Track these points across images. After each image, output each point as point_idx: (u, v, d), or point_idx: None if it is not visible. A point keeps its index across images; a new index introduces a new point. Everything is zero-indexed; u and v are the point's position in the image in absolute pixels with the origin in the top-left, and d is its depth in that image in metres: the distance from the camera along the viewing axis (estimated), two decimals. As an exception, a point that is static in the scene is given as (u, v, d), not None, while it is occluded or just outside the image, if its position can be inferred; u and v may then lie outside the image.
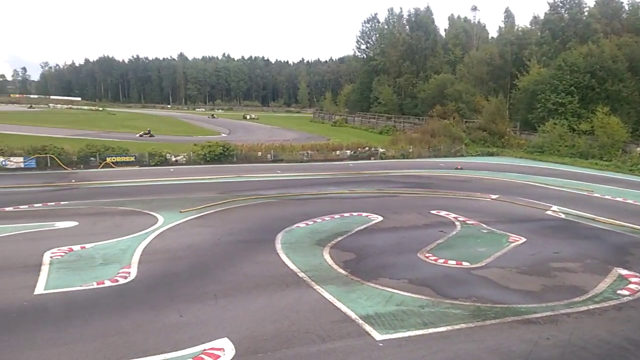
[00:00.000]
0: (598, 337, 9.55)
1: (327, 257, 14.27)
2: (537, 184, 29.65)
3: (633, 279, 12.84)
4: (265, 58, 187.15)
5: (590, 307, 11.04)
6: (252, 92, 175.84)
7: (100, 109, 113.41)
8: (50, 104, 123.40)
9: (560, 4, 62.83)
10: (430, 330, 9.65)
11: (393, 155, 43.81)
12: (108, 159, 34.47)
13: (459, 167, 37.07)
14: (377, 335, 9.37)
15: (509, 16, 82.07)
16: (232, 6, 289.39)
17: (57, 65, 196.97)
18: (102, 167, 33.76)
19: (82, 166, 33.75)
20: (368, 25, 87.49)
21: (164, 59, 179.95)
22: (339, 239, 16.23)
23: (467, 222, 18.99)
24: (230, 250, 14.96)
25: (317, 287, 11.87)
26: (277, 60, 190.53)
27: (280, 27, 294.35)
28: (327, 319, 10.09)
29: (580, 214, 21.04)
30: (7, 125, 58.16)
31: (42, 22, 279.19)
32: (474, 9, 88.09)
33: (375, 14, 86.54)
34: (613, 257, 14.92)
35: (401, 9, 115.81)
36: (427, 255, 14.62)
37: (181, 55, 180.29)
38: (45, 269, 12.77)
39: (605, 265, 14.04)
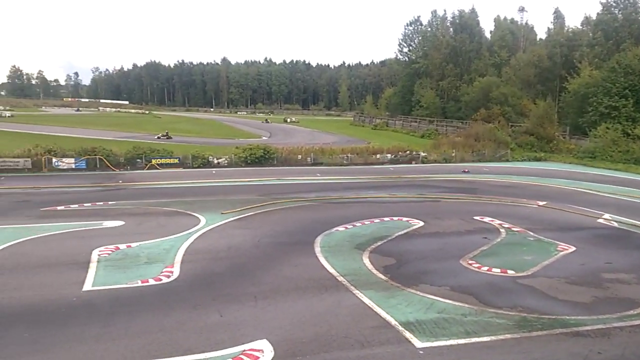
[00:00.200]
0: (655, 354, 9.00)
1: (366, 261, 14.13)
2: (588, 191, 28.42)
3: (694, 293, 12.04)
4: (307, 62, 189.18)
5: (646, 321, 10.44)
6: (292, 95, 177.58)
7: (147, 112, 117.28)
8: (100, 107, 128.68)
9: (614, 4, 60.19)
10: (473, 340, 9.37)
11: (435, 160, 43.08)
12: (153, 161, 35.52)
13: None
14: (418, 343, 9.17)
15: (558, 17, 79.14)
16: (275, 11, 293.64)
17: (107, 70, 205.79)
18: (147, 169, 34.81)
19: (128, 167, 34.91)
20: (411, 28, 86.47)
21: (207, 63, 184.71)
22: (379, 243, 16.05)
23: (513, 229, 18.40)
24: (270, 252, 15.05)
25: (356, 291, 11.76)
26: (318, 63, 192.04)
27: (322, 31, 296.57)
28: (367, 324, 9.96)
29: (634, 222, 20.03)
30: (60, 127, 61.11)
31: (94, 29, 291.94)
32: (522, 9, 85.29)
33: (418, 17, 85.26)
34: (671, 269, 14.06)
35: (445, 11, 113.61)
36: (470, 262, 14.24)
37: (224, 59, 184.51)
38: (93, 266, 13.24)
39: (662, 277, 13.25)
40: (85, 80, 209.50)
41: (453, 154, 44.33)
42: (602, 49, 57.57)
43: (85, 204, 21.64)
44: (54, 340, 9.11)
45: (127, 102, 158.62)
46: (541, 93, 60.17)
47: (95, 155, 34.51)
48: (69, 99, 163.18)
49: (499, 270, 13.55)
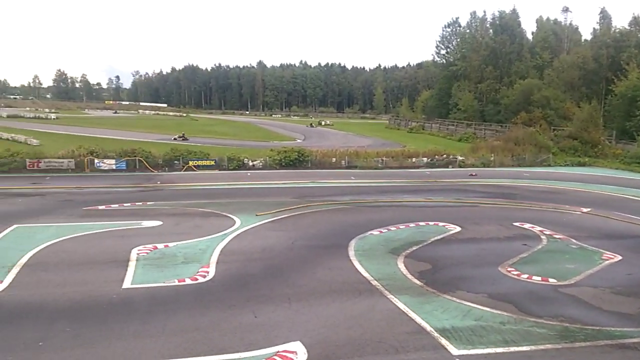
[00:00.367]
0: None
1: (401, 266, 13.94)
2: (635, 198, 27.17)
3: None
4: (342, 64, 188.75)
5: (700, 336, 9.86)
6: (327, 98, 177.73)
7: (184, 115, 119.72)
8: (139, 110, 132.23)
9: (665, 3, 57.52)
10: (512, 349, 9.09)
11: (472, 164, 42.18)
12: (190, 163, 36.23)
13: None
14: (454, 350, 8.97)
15: (604, 17, 76.29)
16: (311, 14, 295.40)
17: (146, 73, 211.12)
18: (184, 170, 35.54)
19: (166, 169, 35.72)
20: (449, 29, 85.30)
21: (244, 66, 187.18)
22: (414, 248, 15.81)
23: (554, 236, 17.78)
24: (304, 254, 15.06)
25: (390, 296, 11.61)
26: (353, 66, 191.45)
27: (358, 33, 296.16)
28: (401, 329, 9.81)
29: (686, 231, 18.98)
30: (101, 129, 63.29)
31: (135, 34, 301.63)
32: (565, 10, 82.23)
33: (457, 18, 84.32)
34: None
35: (484, 12, 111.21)
36: (509, 269, 13.84)
37: (260, 62, 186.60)
38: (132, 265, 13.59)
39: None
40: (126, 83, 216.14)
41: (491, 158, 43.30)
42: (651, 50, 55.14)
43: (125, 204, 22.26)
44: (95, 336, 9.37)
45: (165, 105, 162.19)
46: (586, 96, 58.02)
47: (134, 156, 35.51)
48: (111, 102, 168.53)
49: (539, 278, 13.12)
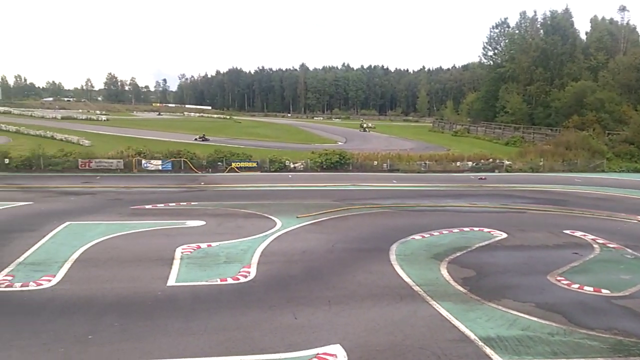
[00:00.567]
0: None
1: (444, 272, 13.63)
2: (697, 206, 25.52)
3: None
4: (385, 67, 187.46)
5: None
6: (369, 101, 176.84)
7: (228, 117, 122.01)
8: (185, 112, 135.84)
9: None
10: (562, 362, 8.67)
11: (520, 169, 40.89)
12: (233, 164, 36.89)
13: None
14: (499, 360, 8.65)
15: (664, 15, 72.32)
16: (354, 16, 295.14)
17: (192, 76, 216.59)
18: (227, 172, 36.21)
19: (210, 170, 36.54)
20: (496, 30, 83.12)
21: (286, 69, 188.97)
22: (458, 254, 15.42)
23: (608, 245, 16.93)
24: (344, 257, 14.98)
25: (433, 302, 11.36)
26: (396, 68, 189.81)
27: (401, 35, 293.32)
28: (444, 336, 9.57)
29: None
30: (148, 130, 65.46)
31: (181, 38, 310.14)
32: (622, 9, 78.31)
33: (505, 19, 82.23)
34: None
35: (535, 12, 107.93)
36: (558, 278, 13.27)
37: (302, 65, 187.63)
38: (176, 263, 13.93)
39: None
40: (173, 86, 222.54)
41: (541, 163, 41.81)
42: None
43: (170, 204, 22.88)
44: (141, 331, 9.64)
45: (209, 107, 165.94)
46: (643, 99, 55.23)
47: (180, 157, 36.52)
48: (158, 104, 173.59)
49: (591, 288, 12.50)
